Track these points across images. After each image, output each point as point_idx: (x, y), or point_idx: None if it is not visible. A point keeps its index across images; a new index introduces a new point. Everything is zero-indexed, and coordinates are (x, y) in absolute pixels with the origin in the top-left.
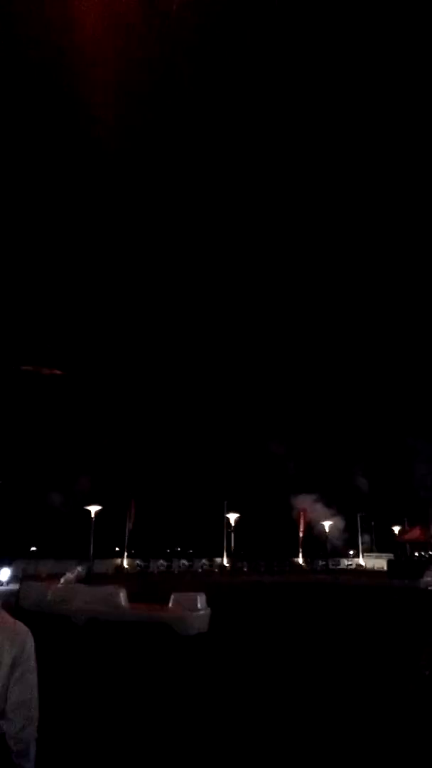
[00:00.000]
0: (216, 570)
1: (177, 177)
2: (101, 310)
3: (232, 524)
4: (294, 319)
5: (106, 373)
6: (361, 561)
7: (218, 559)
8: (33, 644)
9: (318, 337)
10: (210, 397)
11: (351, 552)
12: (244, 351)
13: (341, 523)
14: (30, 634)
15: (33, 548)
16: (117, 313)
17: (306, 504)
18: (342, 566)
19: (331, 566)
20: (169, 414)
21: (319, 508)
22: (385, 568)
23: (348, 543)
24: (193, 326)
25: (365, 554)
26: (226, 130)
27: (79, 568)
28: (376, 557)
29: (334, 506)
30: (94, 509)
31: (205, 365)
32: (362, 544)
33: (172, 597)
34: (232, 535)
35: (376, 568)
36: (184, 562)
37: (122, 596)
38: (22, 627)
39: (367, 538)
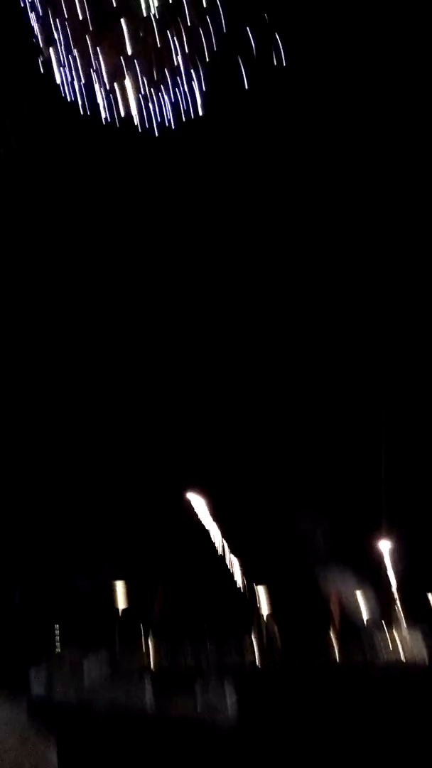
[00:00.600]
0: (247, 657)
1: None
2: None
3: (261, 601)
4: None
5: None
6: (400, 650)
7: (247, 638)
8: None
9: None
10: (235, 474)
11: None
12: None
13: (375, 608)
14: None
15: (56, 625)
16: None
17: (340, 581)
18: (382, 660)
19: (370, 660)
20: (193, 490)
21: (353, 588)
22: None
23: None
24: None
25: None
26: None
27: (102, 655)
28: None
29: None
30: (119, 588)
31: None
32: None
33: (199, 687)
34: (262, 612)
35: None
36: (211, 647)
37: (147, 687)
38: None
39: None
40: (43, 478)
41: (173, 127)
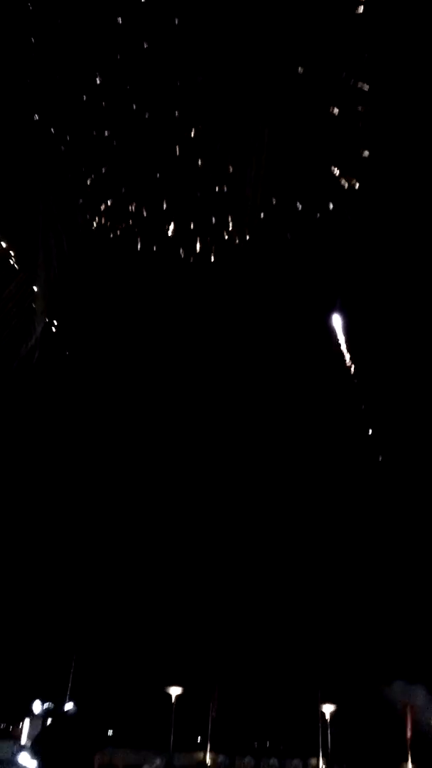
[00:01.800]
0: None
1: None
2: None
3: (328, 718)
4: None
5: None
6: None
7: (313, 760)
8: None
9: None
10: (301, 568)
11: None
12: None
13: None
14: None
15: (110, 732)
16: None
17: (411, 697)
18: None
19: None
20: (256, 589)
21: (428, 704)
22: None
23: None
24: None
25: None
26: None
27: (158, 761)
28: None
29: None
30: (175, 692)
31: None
32: None
33: None
34: (329, 731)
35: None
36: (275, 762)
37: None
38: None
39: None
40: (95, 581)
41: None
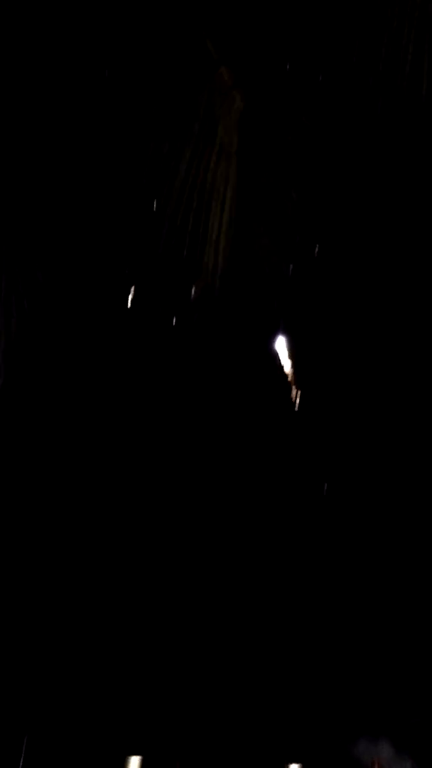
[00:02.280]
0: None
1: None
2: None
3: None
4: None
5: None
6: None
7: None
8: None
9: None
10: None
11: None
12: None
13: None
14: None
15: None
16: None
17: (378, 752)
18: None
19: None
20: (211, 654)
21: (395, 758)
22: None
23: None
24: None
25: None
26: None
27: None
28: None
29: (409, 754)
30: (134, 764)
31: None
32: None
33: None
34: None
35: None
36: None
37: None
38: None
39: None
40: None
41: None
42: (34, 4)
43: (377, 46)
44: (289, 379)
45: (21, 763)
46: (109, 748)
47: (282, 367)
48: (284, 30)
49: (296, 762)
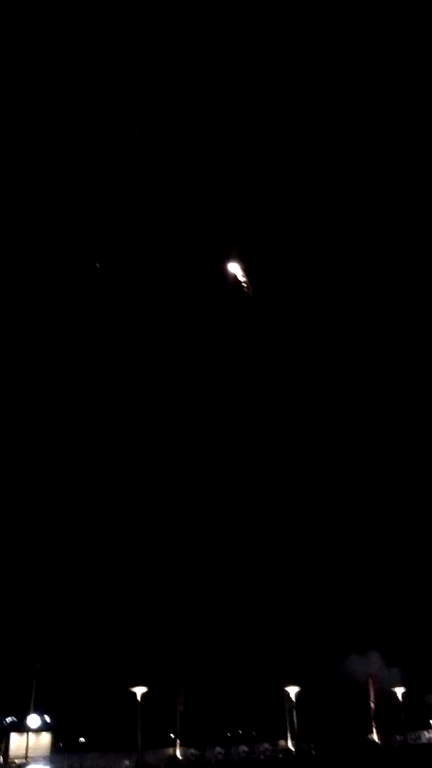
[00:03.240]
0: (281, 755)
1: None
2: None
3: (293, 699)
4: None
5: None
6: None
7: (282, 742)
8: None
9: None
10: (259, 565)
11: None
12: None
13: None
14: None
15: (81, 739)
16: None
17: (368, 666)
18: (423, 740)
19: (410, 741)
20: (212, 582)
21: (386, 671)
22: None
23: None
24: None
25: None
26: None
27: (127, 762)
28: None
29: (399, 666)
30: (140, 691)
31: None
32: None
33: None
34: (295, 711)
35: None
36: (244, 748)
37: None
38: None
39: None
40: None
41: None
42: None
43: None
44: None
45: (33, 692)
46: (115, 678)
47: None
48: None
49: (294, 684)
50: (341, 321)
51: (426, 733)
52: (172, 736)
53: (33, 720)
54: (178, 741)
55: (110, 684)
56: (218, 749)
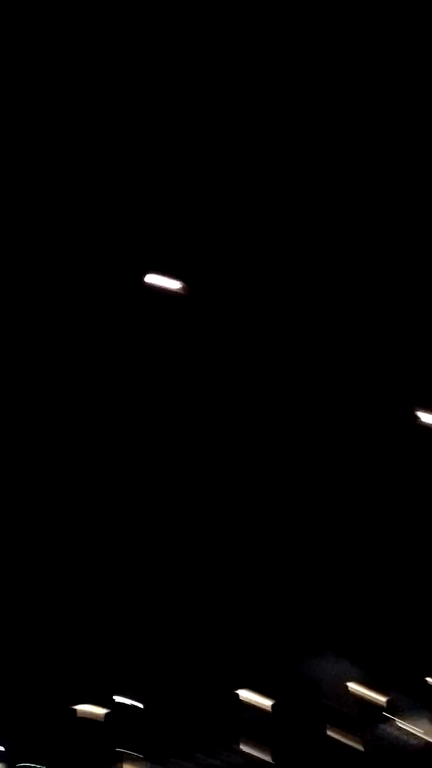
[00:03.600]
0: (241, 762)
1: None
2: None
3: (249, 704)
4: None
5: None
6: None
7: (237, 747)
8: None
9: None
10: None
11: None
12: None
13: None
14: None
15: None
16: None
17: (322, 664)
18: (379, 735)
19: (366, 738)
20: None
21: (337, 666)
22: None
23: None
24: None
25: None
26: None
27: None
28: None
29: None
30: (89, 710)
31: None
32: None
33: None
34: (249, 716)
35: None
36: (200, 756)
37: None
38: None
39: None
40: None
41: None
42: None
43: None
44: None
45: None
46: (55, 696)
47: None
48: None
49: (248, 688)
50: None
51: (382, 727)
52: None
53: None
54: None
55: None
56: (173, 761)
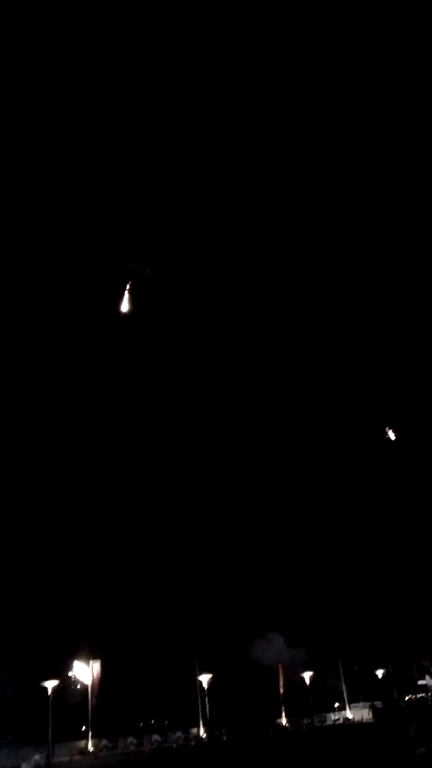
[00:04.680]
0: (193, 743)
1: None
2: None
3: (206, 687)
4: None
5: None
6: (348, 714)
7: (194, 730)
8: None
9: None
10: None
11: (336, 704)
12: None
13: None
14: None
15: None
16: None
17: (274, 649)
18: (329, 722)
19: (317, 723)
20: (131, 571)
21: (289, 653)
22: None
23: (332, 693)
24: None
25: (352, 705)
26: None
27: (37, 757)
28: (363, 706)
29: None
30: (51, 685)
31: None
32: (347, 693)
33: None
34: (207, 699)
35: (364, 719)
36: (157, 737)
37: None
38: None
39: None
40: None
41: None
42: None
43: None
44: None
45: None
46: (26, 672)
47: None
48: None
49: (207, 672)
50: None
51: (331, 715)
52: (83, 728)
53: None
54: (89, 732)
55: (20, 677)
56: (131, 739)
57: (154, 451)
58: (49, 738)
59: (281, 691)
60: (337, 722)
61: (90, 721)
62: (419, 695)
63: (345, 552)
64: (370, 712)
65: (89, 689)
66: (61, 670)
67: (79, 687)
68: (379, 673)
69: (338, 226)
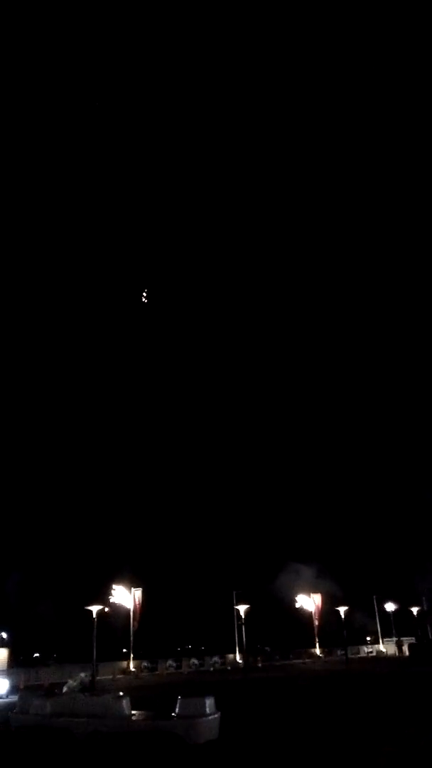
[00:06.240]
0: (229, 668)
1: None
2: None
3: (243, 616)
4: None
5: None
6: (381, 647)
7: (230, 656)
8: None
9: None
10: (215, 484)
11: (369, 638)
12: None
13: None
14: None
15: (36, 654)
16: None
17: (308, 578)
18: (362, 654)
19: (350, 655)
20: (173, 501)
21: (328, 585)
22: (407, 652)
23: (367, 628)
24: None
25: (385, 640)
26: None
27: (83, 674)
28: (397, 642)
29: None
30: (95, 609)
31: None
32: (380, 628)
33: (178, 702)
34: (243, 628)
35: (397, 654)
36: (195, 661)
37: (125, 705)
38: None
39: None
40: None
41: None
42: None
43: None
44: None
45: None
46: (72, 597)
47: None
48: None
49: (244, 603)
50: None
51: (365, 648)
52: (125, 651)
53: None
54: (131, 655)
55: (66, 602)
56: (170, 662)
57: (187, 404)
58: (94, 657)
59: (316, 623)
60: (370, 654)
61: (132, 644)
62: None
63: (380, 491)
64: (399, 647)
65: (131, 614)
66: (101, 595)
67: (120, 612)
68: (414, 610)
69: (332, 221)
